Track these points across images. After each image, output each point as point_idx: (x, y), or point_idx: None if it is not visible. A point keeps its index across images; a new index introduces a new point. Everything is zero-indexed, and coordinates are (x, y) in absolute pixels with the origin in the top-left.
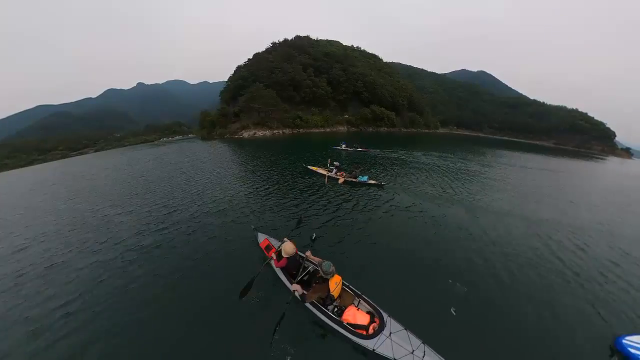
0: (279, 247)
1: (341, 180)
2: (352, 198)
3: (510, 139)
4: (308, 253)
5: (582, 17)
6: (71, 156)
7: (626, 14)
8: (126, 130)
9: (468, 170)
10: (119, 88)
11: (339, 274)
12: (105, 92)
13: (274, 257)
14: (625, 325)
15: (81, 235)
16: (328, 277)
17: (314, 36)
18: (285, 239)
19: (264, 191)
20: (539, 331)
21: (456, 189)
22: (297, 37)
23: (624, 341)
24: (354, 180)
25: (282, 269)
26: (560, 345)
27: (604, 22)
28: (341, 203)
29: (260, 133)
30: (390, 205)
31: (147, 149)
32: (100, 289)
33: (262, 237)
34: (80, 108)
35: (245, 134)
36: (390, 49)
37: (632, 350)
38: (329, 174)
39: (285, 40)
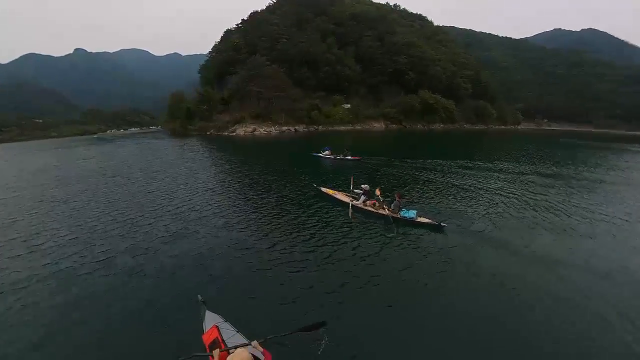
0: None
1: (384, 211)
2: (391, 247)
3: None
4: (254, 342)
5: None
6: None
7: None
8: (56, 116)
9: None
10: (45, 54)
11: None
12: (22, 57)
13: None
14: None
15: None
16: None
17: None
18: (255, 342)
19: (248, 232)
20: None
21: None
22: None
23: None
24: (394, 216)
25: None
26: None
27: None
28: (368, 255)
29: (262, 130)
30: (454, 266)
31: (80, 148)
32: None
33: (210, 321)
34: None
35: (240, 131)
36: (436, 7)
37: None
38: (353, 202)
39: None
